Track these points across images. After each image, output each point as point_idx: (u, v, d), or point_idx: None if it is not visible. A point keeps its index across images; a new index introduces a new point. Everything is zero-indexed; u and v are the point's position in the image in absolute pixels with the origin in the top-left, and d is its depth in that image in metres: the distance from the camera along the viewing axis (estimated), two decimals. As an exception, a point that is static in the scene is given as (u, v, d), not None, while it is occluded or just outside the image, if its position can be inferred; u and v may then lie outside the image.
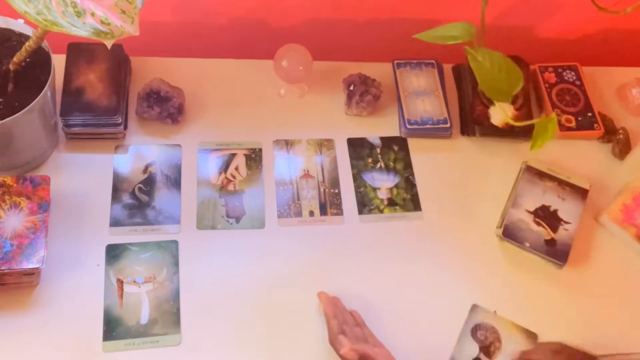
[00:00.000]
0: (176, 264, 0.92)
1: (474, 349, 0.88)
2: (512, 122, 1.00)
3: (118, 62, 1.02)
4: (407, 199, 1.02)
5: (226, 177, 1.01)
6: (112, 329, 0.86)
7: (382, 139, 1.08)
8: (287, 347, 0.89)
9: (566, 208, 1.00)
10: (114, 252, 0.92)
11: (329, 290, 0.91)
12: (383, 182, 1.04)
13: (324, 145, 1.06)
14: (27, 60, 0.89)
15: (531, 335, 0.90)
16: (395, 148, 1.07)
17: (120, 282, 0.90)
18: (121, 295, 0.89)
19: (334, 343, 0.83)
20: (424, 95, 1.10)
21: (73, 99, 0.98)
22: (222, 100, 1.09)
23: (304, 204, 1.00)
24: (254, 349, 0.87)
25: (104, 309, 0.88)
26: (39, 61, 0.90)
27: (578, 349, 0.74)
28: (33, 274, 0.86)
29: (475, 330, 0.90)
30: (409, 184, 1.04)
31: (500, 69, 0.98)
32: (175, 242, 0.94)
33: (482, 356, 0.87)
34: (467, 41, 0.98)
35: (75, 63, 1.01)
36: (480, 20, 0.97)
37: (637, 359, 0.89)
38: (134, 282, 0.90)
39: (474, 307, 0.92)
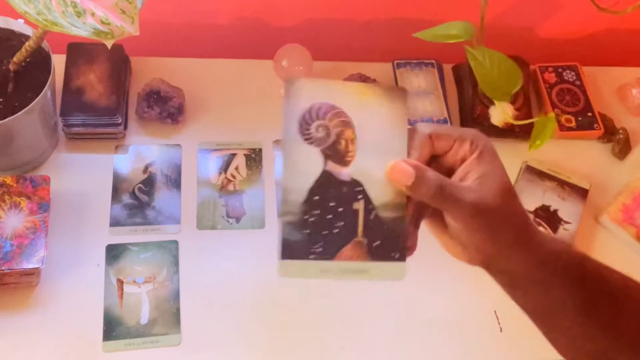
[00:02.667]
0: (176, 264, 0.92)
1: (313, 159, 0.53)
2: (512, 121, 1.01)
3: (118, 62, 1.02)
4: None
5: (226, 177, 1.01)
6: (112, 329, 0.86)
7: (382, 138, 1.08)
8: (287, 347, 0.89)
9: (566, 208, 1.00)
10: (114, 252, 0.92)
11: (328, 290, 0.92)
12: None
13: (324, 145, 1.06)
14: (27, 60, 0.89)
15: (398, 92, 0.55)
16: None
17: (120, 282, 0.90)
18: (121, 295, 0.89)
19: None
20: (424, 95, 1.10)
21: (73, 99, 0.98)
22: (222, 100, 1.09)
23: (304, 204, 1.00)
24: (254, 349, 0.87)
25: (104, 309, 0.88)
26: (39, 61, 0.90)
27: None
28: (33, 274, 0.86)
29: (306, 123, 0.53)
30: (409, 184, 1.03)
31: (499, 68, 0.98)
32: (175, 242, 0.94)
33: (332, 166, 0.52)
34: (467, 40, 0.98)
35: (75, 63, 1.01)
36: (480, 20, 0.97)
37: None
38: (134, 282, 0.90)
39: (290, 81, 0.53)
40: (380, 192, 0.53)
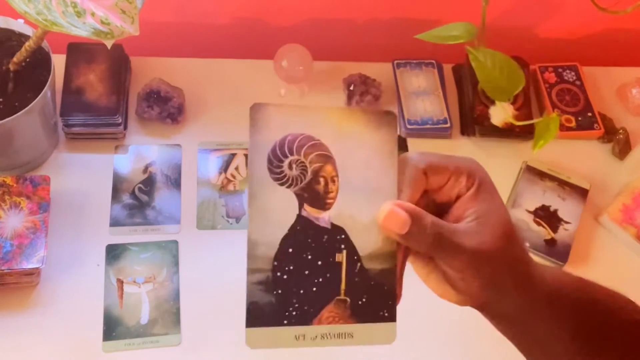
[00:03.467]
0: (176, 264, 0.92)
1: (287, 202, 0.44)
2: (513, 122, 1.01)
3: (118, 62, 1.02)
4: (407, 198, 1.02)
5: (226, 177, 1.01)
6: (112, 329, 0.86)
7: (382, 138, 1.08)
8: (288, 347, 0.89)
9: (566, 208, 1.00)
10: (114, 252, 0.92)
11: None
12: (383, 182, 1.03)
13: (324, 145, 1.06)
14: (27, 60, 0.89)
15: (388, 116, 0.48)
16: (395, 148, 1.07)
17: (120, 282, 0.90)
18: (121, 296, 0.89)
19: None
20: (424, 95, 1.10)
21: (73, 99, 0.98)
22: (222, 100, 1.09)
23: (304, 204, 1.00)
24: (254, 349, 0.87)
25: (104, 309, 0.88)
26: (39, 61, 0.90)
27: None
28: (33, 274, 0.86)
29: (278, 159, 0.44)
30: (409, 184, 1.03)
31: (501, 68, 0.98)
32: (175, 242, 0.94)
33: (308, 211, 0.44)
34: (468, 41, 0.98)
35: (75, 63, 1.01)
36: (481, 20, 0.97)
37: None
38: (134, 282, 0.90)
39: (255, 107, 0.45)
40: (366, 240, 0.44)
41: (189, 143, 1.04)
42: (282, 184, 0.43)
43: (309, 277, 0.44)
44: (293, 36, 1.11)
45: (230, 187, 1.00)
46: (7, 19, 0.92)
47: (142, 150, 1.02)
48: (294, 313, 0.43)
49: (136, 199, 0.97)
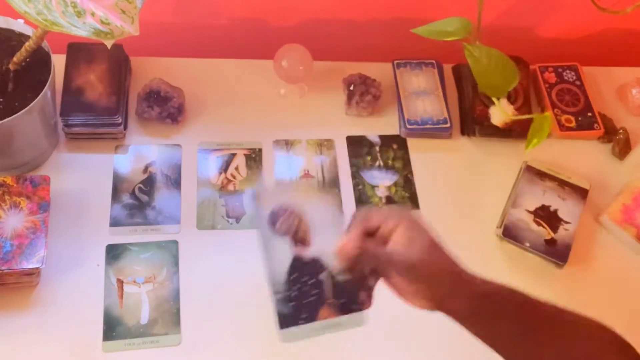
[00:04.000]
0: (176, 264, 0.92)
1: (282, 249, 0.67)
2: (511, 117, 1.01)
3: (118, 62, 1.02)
4: (406, 197, 1.02)
5: (226, 177, 1.01)
6: (112, 329, 0.86)
7: (381, 137, 1.08)
8: (287, 347, 0.88)
9: (566, 208, 1.00)
10: (114, 252, 0.92)
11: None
12: (381, 180, 1.04)
13: (324, 145, 1.06)
14: (27, 60, 0.89)
15: (334, 185, 0.78)
16: (395, 146, 1.07)
17: (120, 282, 0.90)
18: (121, 295, 0.89)
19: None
20: (424, 95, 1.10)
21: (73, 99, 0.98)
22: (222, 100, 1.09)
23: (304, 204, 1.00)
24: (254, 349, 0.87)
25: (104, 309, 0.88)
26: (39, 61, 0.90)
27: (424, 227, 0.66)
28: (33, 274, 0.86)
29: (272, 222, 0.68)
30: (408, 182, 1.04)
31: (496, 65, 0.98)
32: (175, 242, 0.94)
33: (298, 250, 0.67)
34: (464, 37, 0.98)
35: (75, 63, 1.01)
36: (477, 16, 0.97)
37: None
38: (134, 282, 0.90)
39: (258, 193, 0.77)
40: (335, 263, 0.67)
41: (189, 143, 1.04)
42: (279, 236, 0.67)
43: (308, 291, 0.66)
44: (293, 36, 1.11)
45: (230, 187, 1.00)
46: (7, 19, 0.92)
47: (142, 150, 1.02)
48: (304, 316, 0.66)
49: (136, 199, 0.97)
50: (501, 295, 0.67)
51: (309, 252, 0.68)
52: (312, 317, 0.66)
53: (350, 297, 0.67)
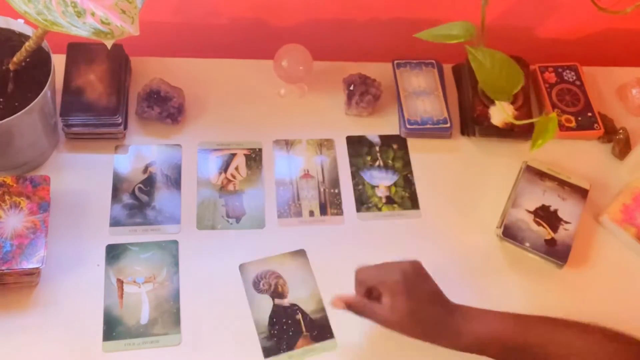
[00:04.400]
0: (176, 264, 0.92)
1: (266, 301, 0.91)
2: (513, 121, 1.01)
3: (118, 62, 1.02)
4: (406, 197, 1.02)
5: (226, 177, 1.01)
6: (112, 329, 0.86)
7: (381, 137, 1.08)
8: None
9: (566, 208, 1.00)
10: (114, 252, 0.92)
11: (328, 291, 0.92)
12: (381, 180, 1.04)
13: (324, 145, 1.06)
14: (27, 60, 0.89)
15: (300, 253, 0.95)
16: (395, 146, 1.07)
17: (120, 282, 0.90)
18: (121, 295, 0.89)
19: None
20: (424, 95, 1.10)
21: (73, 99, 0.98)
22: (222, 100, 1.09)
23: (304, 204, 1.00)
24: (254, 349, 0.87)
25: (104, 309, 0.88)
26: (39, 61, 0.90)
27: (430, 280, 0.82)
28: (33, 274, 0.86)
29: (256, 284, 0.92)
30: (408, 182, 1.04)
31: (501, 68, 0.98)
32: (176, 242, 0.94)
33: (277, 301, 0.90)
34: (468, 40, 0.98)
35: (75, 63, 1.01)
36: (481, 20, 0.97)
37: None
38: (134, 282, 0.90)
39: (242, 267, 0.93)
40: (308, 306, 0.90)
41: (189, 143, 1.04)
42: (261, 293, 0.91)
43: (286, 330, 0.89)
44: (293, 36, 1.11)
45: (230, 187, 1.00)
46: (7, 19, 0.92)
47: (142, 150, 1.02)
48: (284, 347, 0.88)
49: (136, 199, 0.97)
50: (486, 346, 0.77)
51: (286, 302, 0.91)
52: (290, 347, 0.87)
53: (321, 329, 0.88)
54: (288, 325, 0.89)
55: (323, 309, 0.90)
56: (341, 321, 0.89)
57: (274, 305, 0.90)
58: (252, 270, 0.93)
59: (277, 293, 0.91)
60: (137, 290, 0.90)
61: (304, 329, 0.89)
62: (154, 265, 0.92)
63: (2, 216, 0.85)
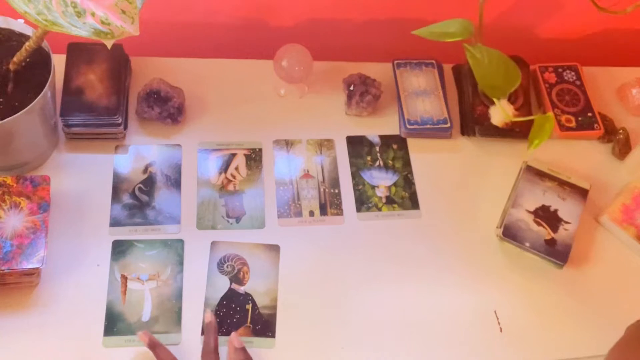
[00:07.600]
0: (181, 263, 0.92)
1: (224, 282, 0.91)
2: (512, 119, 1.01)
3: (118, 62, 1.02)
4: (406, 197, 1.02)
5: (226, 177, 1.01)
6: (113, 324, 0.86)
7: (381, 137, 1.08)
8: (289, 347, 0.89)
9: (566, 208, 1.00)
10: (120, 248, 0.92)
11: (328, 291, 0.92)
12: (381, 180, 1.04)
13: (324, 145, 1.06)
14: (27, 60, 0.89)
15: (274, 248, 0.96)
16: (395, 147, 1.07)
17: (124, 278, 0.90)
18: (124, 292, 0.89)
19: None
20: (424, 95, 1.10)
21: (73, 99, 0.98)
22: (222, 100, 1.09)
23: (304, 204, 1.00)
24: (253, 349, 0.87)
25: (106, 305, 0.88)
26: (39, 61, 0.90)
27: None
28: (33, 274, 0.86)
29: (221, 264, 0.93)
30: (408, 182, 1.04)
31: (498, 66, 0.98)
32: (181, 241, 0.94)
33: (234, 286, 0.91)
34: (465, 38, 0.98)
35: (75, 63, 1.01)
36: (479, 17, 0.97)
37: None
38: (138, 279, 0.90)
39: (213, 244, 0.94)
40: (262, 300, 0.91)
41: (189, 143, 1.04)
42: (222, 274, 0.92)
43: (232, 315, 0.90)
44: (293, 36, 1.11)
45: (230, 187, 1.00)
46: (7, 19, 0.92)
47: (142, 150, 1.02)
48: (224, 329, 0.89)
49: (136, 199, 0.97)
50: None
51: (242, 289, 0.91)
52: (228, 332, 0.88)
53: (265, 325, 0.89)
54: (235, 312, 0.89)
55: (274, 307, 0.90)
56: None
57: (229, 289, 0.91)
58: (222, 249, 0.93)
59: (237, 278, 0.92)
60: (140, 287, 0.90)
61: (249, 320, 0.89)
62: (159, 263, 0.92)
63: (2, 216, 0.85)
